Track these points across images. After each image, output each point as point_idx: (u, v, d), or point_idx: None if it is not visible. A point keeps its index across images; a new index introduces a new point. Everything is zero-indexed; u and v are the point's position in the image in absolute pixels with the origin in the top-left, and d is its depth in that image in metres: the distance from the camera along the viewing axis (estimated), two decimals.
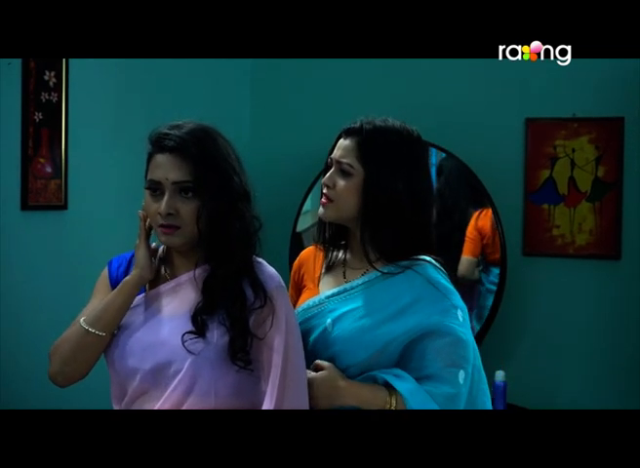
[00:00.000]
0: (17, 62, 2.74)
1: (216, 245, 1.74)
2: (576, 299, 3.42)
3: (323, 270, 1.99)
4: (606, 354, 3.37)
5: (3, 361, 2.72)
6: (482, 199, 3.45)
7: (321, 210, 1.93)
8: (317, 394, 1.80)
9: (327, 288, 1.95)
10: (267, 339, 1.73)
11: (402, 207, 1.87)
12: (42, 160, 2.85)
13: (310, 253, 2.06)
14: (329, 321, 1.88)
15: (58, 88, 2.88)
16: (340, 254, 1.99)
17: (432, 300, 1.85)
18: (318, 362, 1.85)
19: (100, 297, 1.83)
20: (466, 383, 1.83)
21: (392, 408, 1.80)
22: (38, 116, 2.82)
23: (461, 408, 1.82)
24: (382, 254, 1.90)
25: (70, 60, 2.90)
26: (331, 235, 2.00)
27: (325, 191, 1.91)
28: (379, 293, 1.88)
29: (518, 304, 3.46)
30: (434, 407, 1.79)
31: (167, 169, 1.72)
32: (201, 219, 1.72)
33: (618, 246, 3.34)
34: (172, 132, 1.74)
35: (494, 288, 3.42)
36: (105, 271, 1.88)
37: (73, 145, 2.94)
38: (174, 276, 1.81)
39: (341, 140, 1.93)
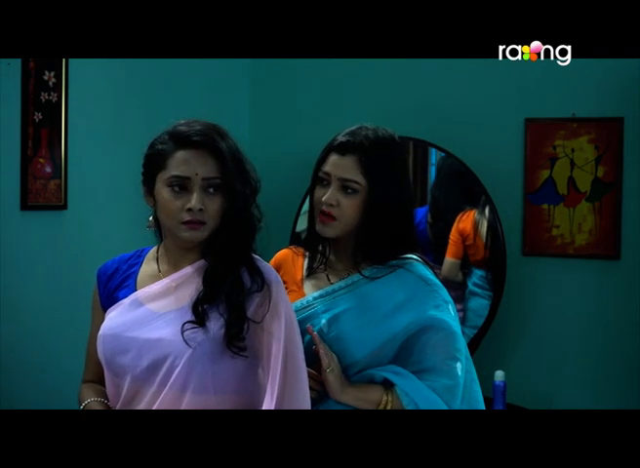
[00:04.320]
0: (16, 62, 2.74)
1: (226, 239, 1.75)
2: (575, 299, 3.42)
3: (304, 273, 2.00)
4: (606, 354, 3.37)
5: (3, 360, 2.72)
6: (480, 199, 3.45)
7: (322, 228, 1.92)
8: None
9: (311, 290, 1.97)
10: (265, 324, 1.73)
11: (399, 213, 1.92)
12: (42, 160, 2.85)
13: (287, 256, 2.06)
14: (323, 321, 1.89)
15: (57, 88, 2.88)
16: (322, 258, 2.00)
17: (425, 296, 1.90)
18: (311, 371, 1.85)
19: (96, 320, 1.86)
20: (462, 374, 1.89)
21: (388, 405, 1.83)
22: (38, 116, 2.81)
23: (459, 397, 1.87)
24: (371, 258, 1.93)
25: (70, 60, 2.90)
26: (313, 240, 2.00)
27: (326, 209, 1.90)
28: (372, 293, 1.90)
29: (518, 304, 3.46)
30: (436, 399, 1.83)
31: (196, 164, 1.73)
32: (224, 215, 1.74)
33: (617, 246, 3.34)
34: (195, 128, 1.74)
35: (476, 289, 3.43)
36: (96, 289, 1.89)
37: (73, 145, 2.94)
38: (168, 274, 1.81)
39: (336, 157, 1.91)
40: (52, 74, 2.86)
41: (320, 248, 2.00)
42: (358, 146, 1.89)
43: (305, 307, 1.93)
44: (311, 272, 2.00)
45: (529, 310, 3.48)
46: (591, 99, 3.37)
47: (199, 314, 1.71)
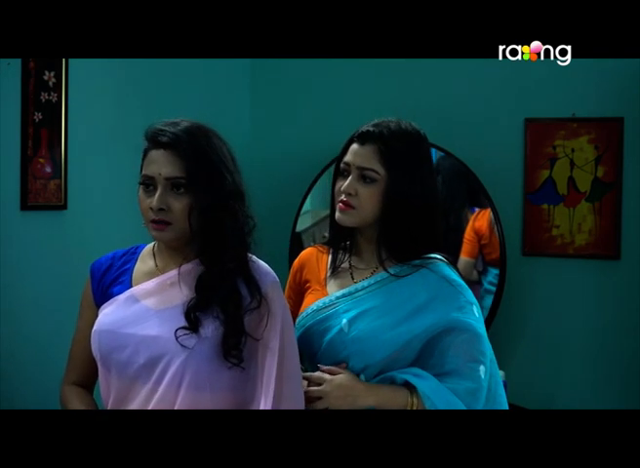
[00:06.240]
0: (16, 62, 2.74)
1: (207, 242, 1.75)
2: (575, 299, 3.42)
3: (328, 271, 1.99)
4: (606, 354, 3.37)
5: (3, 361, 2.72)
6: (479, 199, 3.45)
7: (341, 217, 1.91)
8: (336, 395, 1.81)
9: (335, 289, 1.95)
10: (263, 340, 1.74)
11: (420, 208, 1.89)
12: (41, 160, 2.85)
13: (312, 254, 2.05)
14: (344, 321, 1.88)
15: (57, 88, 2.88)
16: (346, 256, 1.99)
17: (448, 297, 1.87)
18: (333, 368, 1.85)
19: (86, 316, 1.85)
20: (486, 377, 1.86)
21: (414, 407, 1.81)
22: (38, 116, 2.81)
23: (482, 401, 1.85)
24: (394, 254, 1.91)
25: (70, 60, 2.89)
26: (337, 237, 2.00)
27: (345, 198, 1.89)
28: (394, 293, 1.88)
29: (518, 304, 3.46)
30: (457, 402, 1.81)
31: (160, 164, 1.74)
32: (192, 216, 1.73)
33: (617, 246, 3.34)
34: (167, 128, 1.76)
35: (492, 288, 3.43)
36: (88, 284, 1.88)
37: (73, 145, 2.94)
38: (165, 270, 1.82)
39: (357, 146, 1.91)
40: (52, 74, 2.86)
41: (342, 244, 1.99)
42: (378, 136, 1.89)
43: (327, 306, 1.92)
44: (336, 270, 1.98)
45: (529, 310, 3.48)
46: (591, 99, 3.37)
47: (192, 321, 1.71)
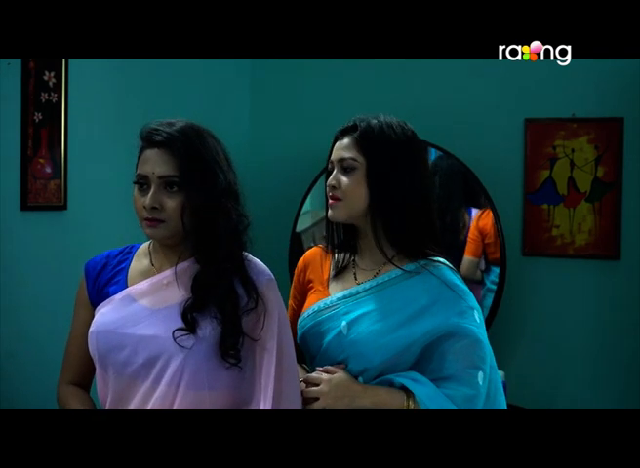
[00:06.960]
0: (16, 62, 2.74)
1: (201, 240, 1.75)
2: (575, 299, 3.42)
3: (332, 272, 1.99)
4: (606, 354, 3.37)
5: (3, 361, 2.72)
6: (476, 199, 3.45)
7: (330, 212, 1.92)
8: (334, 395, 1.81)
9: (337, 290, 1.95)
10: (261, 340, 1.74)
11: (407, 195, 1.87)
12: (41, 160, 2.85)
13: (316, 254, 2.05)
14: (344, 323, 1.87)
15: (57, 88, 2.88)
16: (349, 256, 1.98)
17: (449, 302, 1.86)
18: (330, 368, 1.85)
19: (82, 316, 1.85)
20: (485, 384, 1.85)
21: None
22: (38, 116, 2.81)
23: (480, 408, 1.83)
24: (397, 247, 1.90)
25: (70, 61, 2.90)
26: (339, 237, 1.99)
27: (331, 192, 1.91)
28: (394, 296, 1.88)
29: (518, 304, 3.46)
30: (454, 409, 1.80)
31: (154, 163, 1.75)
32: (185, 214, 1.73)
33: (617, 246, 3.34)
34: (161, 128, 1.77)
35: (494, 287, 3.43)
36: (83, 284, 1.88)
37: (73, 145, 2.94)
38: (161, 269, 1.82)
39: (338, 142, 1.94)
40: (52, 74, 2.86)
41: (344, 245, 1.99)
42: (353, 127, 1.91)
43: (328, 307, 1.91)
44: (339, 270, 1.97)
45: (529, 310, 3.48)
46: (591, 99, 3.37)
47: (189, 321, 1.72)
